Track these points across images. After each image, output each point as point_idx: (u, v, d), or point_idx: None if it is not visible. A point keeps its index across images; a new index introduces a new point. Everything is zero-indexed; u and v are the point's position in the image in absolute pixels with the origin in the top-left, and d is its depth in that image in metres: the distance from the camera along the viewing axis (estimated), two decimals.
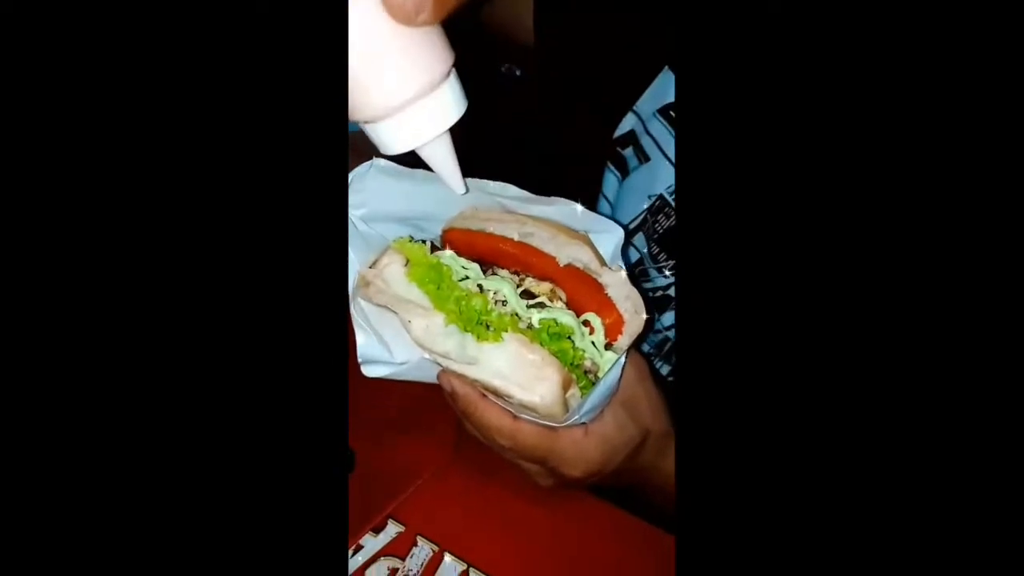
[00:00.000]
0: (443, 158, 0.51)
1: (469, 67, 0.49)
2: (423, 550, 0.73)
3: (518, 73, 0.98)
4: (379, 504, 0.75)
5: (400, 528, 0.74)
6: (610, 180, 0.84)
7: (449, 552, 0.73)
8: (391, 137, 0.47)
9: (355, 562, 0.72)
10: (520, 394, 0.57)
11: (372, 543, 0.73)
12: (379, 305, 0.61)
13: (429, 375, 0.63)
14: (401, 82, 0.44)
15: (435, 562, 0.72)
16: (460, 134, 0.50)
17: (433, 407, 0.75)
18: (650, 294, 0.80)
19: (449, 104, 0.47)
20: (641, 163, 0.81)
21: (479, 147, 0.55)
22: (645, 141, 0.80)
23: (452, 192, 0.54)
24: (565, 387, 0.58)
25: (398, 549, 0.73)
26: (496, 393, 0.59)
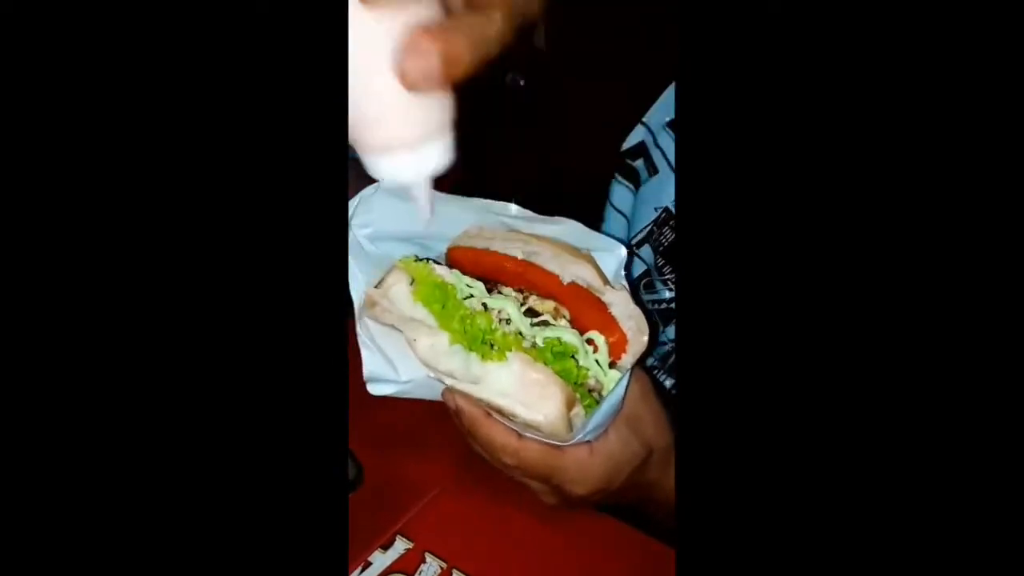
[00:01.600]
0: (418, 195, 0.52)
1: (474, 77, 0.49)
2: (431, 567, 0.73)
3: (522, 83, 0.98)
4: (387, 520, 0.75)
5: (408, 544, 0.74)
6: (621, 192, 0.84)
7: (457, 569, 0.72)
8: (372, 169, 0.48)
9: None
10: (524, 413, 0.57)
11: (380, 560, 0.73)
12: (385, 325, 0.61)
13: (434, 393, 0.64)
14: (392, 134, 0.45)
15: None
16: (463, 143, 0.51)
17: (442, 423, 0.75)
18: (656, 306, 0.80)
19: (433, 159, 0.47)
20: (650, 176, 0.81)
21: (482, 156, 0.55)
22: (655, 154, 0.81)
23: (456, 213, 0.55)
24: (569, 406, 0.58)
25: (406, 566, 0.73)
26: (500, 412, 0.59)
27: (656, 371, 0.81)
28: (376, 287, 0.62)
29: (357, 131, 0.44)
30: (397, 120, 0.44)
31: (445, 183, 0.53)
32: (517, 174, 0.77)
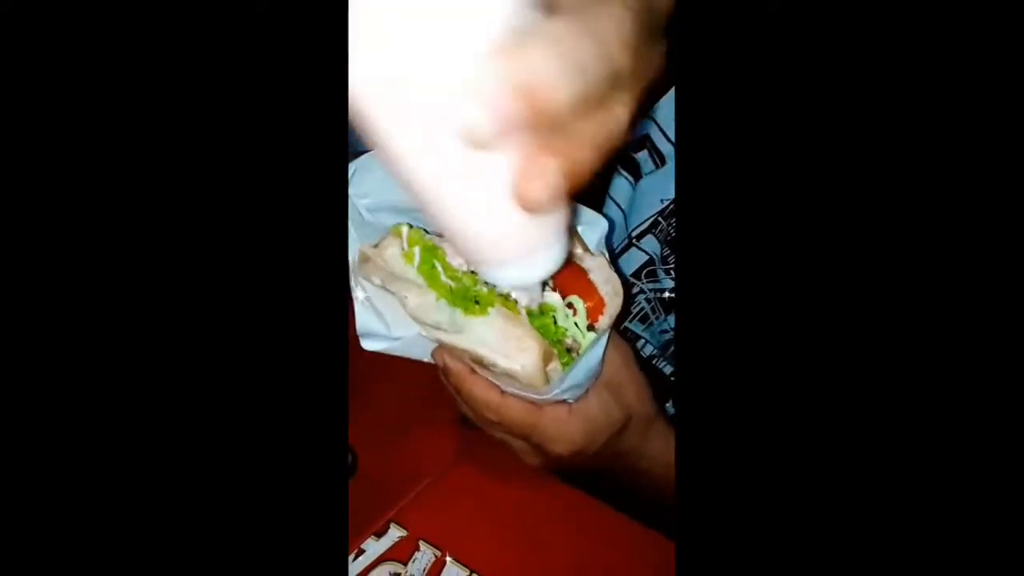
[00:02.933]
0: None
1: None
2: (425, 555, 0.72)
3: None
4: (381, 508, 0.75)
5: (402, 533, 0.74)
6: (620, 183, 0.86)
7: (451, 557, 0.71)
8: (487, 274, 0.49)
9: (356, 567, 0.71)
10: (503, 362, 0.59)
11: (374, 547, 0.73)
12: (377, 285, 0.65)
13: (424, 351, 0.66)
14: (511, 252, 0.44)
15: (437, 567, 0.71)
16: None
17: (436, 411, 0.77)
18: (657, 295, 0.81)
19: (548, 265, 0.47)
20: (657, 167, 0.83)
21: None
22: (663, 145, 0.83)
23: None
24: (546, 360, 0.60)
25: (400, 554, 0.72)
26: (482, 364, 0.61)
27: (656, 359, 0.82)
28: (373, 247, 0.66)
29: (473, 250, 0.44)
30: (516, 239, 0.43)
31: None
32: None
